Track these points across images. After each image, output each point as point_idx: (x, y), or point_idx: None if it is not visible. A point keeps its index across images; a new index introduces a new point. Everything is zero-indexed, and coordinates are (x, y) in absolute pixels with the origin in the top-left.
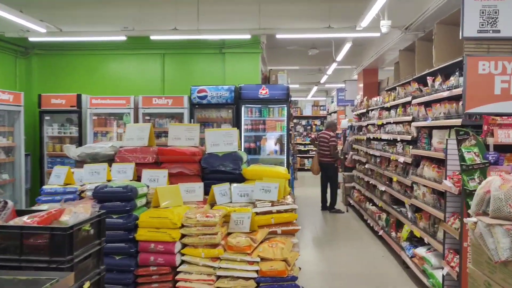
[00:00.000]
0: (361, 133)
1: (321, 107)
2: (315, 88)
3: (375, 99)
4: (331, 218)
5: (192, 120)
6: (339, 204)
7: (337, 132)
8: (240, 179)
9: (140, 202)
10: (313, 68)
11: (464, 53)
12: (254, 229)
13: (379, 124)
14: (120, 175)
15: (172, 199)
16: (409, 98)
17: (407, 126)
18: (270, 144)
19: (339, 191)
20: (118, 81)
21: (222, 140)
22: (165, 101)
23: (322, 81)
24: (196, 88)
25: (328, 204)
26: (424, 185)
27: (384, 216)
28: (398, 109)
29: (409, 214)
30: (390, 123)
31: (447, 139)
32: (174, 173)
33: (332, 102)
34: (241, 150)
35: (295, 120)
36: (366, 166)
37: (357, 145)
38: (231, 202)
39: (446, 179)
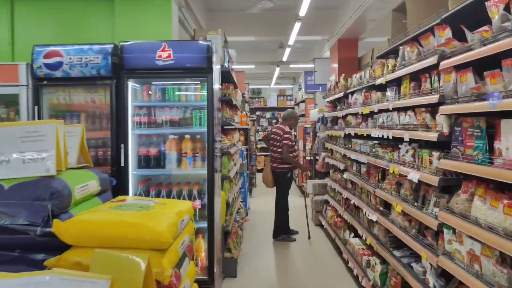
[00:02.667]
0: (336, 127)
1: (288, 97)
2: (277, 71)
3: (357, 75)
4: (293, 253)
5: (37, 107)
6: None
7: (306, 126)
8: (54, 245)
9: None
10: (271, 40)
11: None
12: None
13: (365, 112)
14: None
15: None
16: (432, 60)
17: (422, 114)
18: (182, 149)
19: (307, 203)
20: None
21: (17, 149)
22: None
23: (284, 58)
24: (42, 50)
25: (275, 226)
26: (476, 239)
27: (377, 265)
28: (403, 86)
29: (431, 281)
30: (387, 110)
31: None
32: None
33: (300, 89)
34: (92, 165)
35: (258, 113)
36: (345, 175)
37: (331, 144)
38: None
39: None
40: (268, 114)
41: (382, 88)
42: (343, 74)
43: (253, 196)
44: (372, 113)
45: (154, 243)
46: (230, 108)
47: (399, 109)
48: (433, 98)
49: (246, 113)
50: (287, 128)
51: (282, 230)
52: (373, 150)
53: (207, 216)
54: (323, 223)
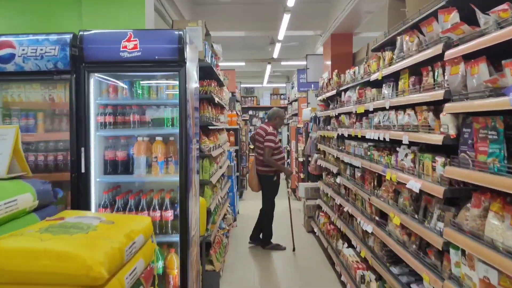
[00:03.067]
0: (329, 127)
1: (282, 96)
2: (269, 68)
3: (351, 71)
4: (282, 264)
5: None
6: (300, 229)
7: (298, 126)
8: None
9: None
10: (262, 36)
11: None
12: None
13: (360, 111)
14: None
15: None
16: (435, 50)
17: (424, 113)
18: (152, 153)
19: (299, 206)
20: None
21: None
22: None
23: (275, 54)
24: None
25: (261, 235)
26: (491, 265)
27: (372, 282)
28: (401, 81)
29: None
30: (383, 109)
31: None
32: None
33: (293, 87)
34: (29, 174)
35: (250, 112)
36: (338, 179)
37: (323, 145)
38: None
39: None
40: (261, 114)
41: (378, 84)
42: (336, 70)
43: (243, 199)
44: (367, 112)
45: (83, 280)
46: (213, 107)
47: (397, 108)
48: (437, 95)
49: (237, 113)
50: (270, 129)
51: (270, 238)
52: (368, 153)
53: (179, 228)
54: (315, 230)
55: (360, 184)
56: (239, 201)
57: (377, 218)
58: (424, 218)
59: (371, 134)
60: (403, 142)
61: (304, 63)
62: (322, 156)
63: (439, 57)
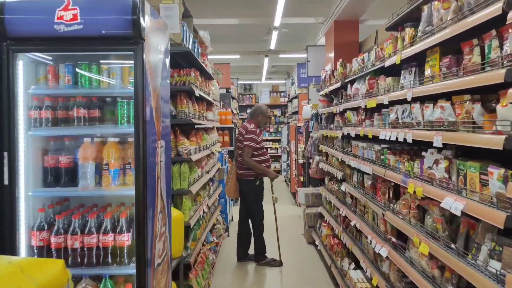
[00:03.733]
0: (332, 126)
1: (281, 93)
2: (266, 61)
3: (359, 59)
4: (278, 284)
5: None
6: (299, 239)
7: (298, 125)
8: None
9: None
10: (257, 24)
11: None
12: None
13: (370, 106)
14: None
15: None
16: (491, 12)
17: (466, 106)
18: (102, 159)
19: (299, 212)
20: None
21: None
22: None
23: (272, 45)
24: None
25: (255, 249)
26: None
27: None
28: (429, 64)
29: None
30: (403, 101)
31: None
32: None
33: (293, 83)
34: None
35: (249, 110)
36: (343, 187)
37: (325, 147)
38: None
39: None
40: None
41: (394, 71)
42: (341, 59)
43: (236, 205)
44: (380, 107)
45: None
46: (196, 102)
47: (422, 99)
48: (493, 77)
49: (233, 110)
50: (252, 126)
51: (264, 252)
52: (382, 157)
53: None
54: (317, 242)
55: (371, 195)
56: (234, 207)
57: (393, 239)
58: (466, 250)
59: (386, 133)
60: (434, 145)
61: (305, 55)
62: (325, 158)
63: (493, 23)
